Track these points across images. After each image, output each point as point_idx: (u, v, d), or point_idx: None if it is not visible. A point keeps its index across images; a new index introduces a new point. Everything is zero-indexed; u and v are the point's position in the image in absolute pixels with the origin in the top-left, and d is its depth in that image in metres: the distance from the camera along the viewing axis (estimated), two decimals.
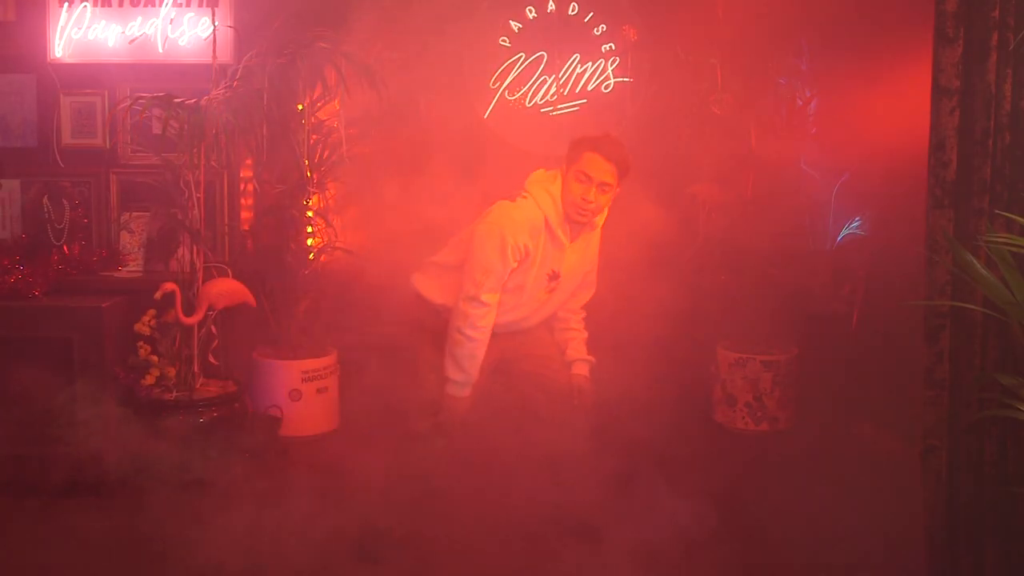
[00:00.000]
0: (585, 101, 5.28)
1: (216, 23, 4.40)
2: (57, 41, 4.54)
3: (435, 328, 3.56)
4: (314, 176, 4.75)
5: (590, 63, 5.26)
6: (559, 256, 3.49)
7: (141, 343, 4.11)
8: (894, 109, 4.48)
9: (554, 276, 3.47)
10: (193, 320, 4.14)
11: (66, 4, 4.53)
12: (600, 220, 3.58)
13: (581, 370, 3.72)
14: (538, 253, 3.39)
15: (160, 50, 4.55)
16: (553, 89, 5.27)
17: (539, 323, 3.68)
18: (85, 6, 4.53)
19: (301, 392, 4.67)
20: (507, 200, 3.44)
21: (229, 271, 4.44)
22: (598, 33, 5.25)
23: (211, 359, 4.35)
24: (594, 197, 3.32)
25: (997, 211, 2.74)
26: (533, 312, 3.59)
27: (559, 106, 5.29)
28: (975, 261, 2.65)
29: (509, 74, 5.24)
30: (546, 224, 3.38)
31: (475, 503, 3.62)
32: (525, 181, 3.50)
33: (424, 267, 3.67)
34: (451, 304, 3.48)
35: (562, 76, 5.26)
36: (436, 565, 3.46)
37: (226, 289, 4.26)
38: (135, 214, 4.64)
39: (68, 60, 4.56)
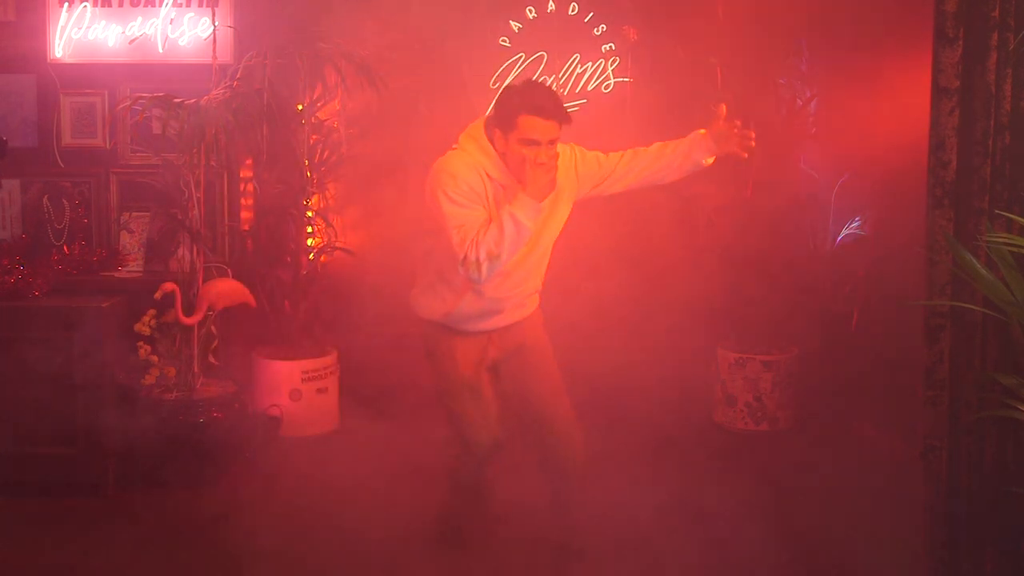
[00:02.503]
0: (585, 101, 5.28)
1: (216, 23, 4.40)
2: (57, 41, 4.54)
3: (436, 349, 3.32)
4: (314, 176, 4.75)
5: (590, 63, 5.26)
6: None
7: (141, 343, 4.12)
8: (894, 109, 4.48)
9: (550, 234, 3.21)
10: (193, 320, 4.15)
11: (66, 4, 4.53)
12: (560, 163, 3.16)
13: (703, 147, 3.32)
14: (489, 199, 3.10)
15: (160, 50, 4.55)
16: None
17: (521, 307, 3.32)
18: (85, 6, 4.53)
19: (301, 392, 4.67)
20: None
21: (229, 271, 4.44)
22: (598, 33, 5.25)
23: (211, 359, 4.36)
24: (547, 156, 3.00)
25: (997, 211, 2.74)
26: (526, 279, 3.24)
27: None
28: (975, 261, 2.65)
29: (509, 74, 5.24)
30: (487, 176, 3.09)
31: None
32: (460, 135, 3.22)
33: (416, 281, 3.38)
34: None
35: (562, 76, 5.26)
36: None
37: (226, 289, 4.26)
38: (135, 214, 4.64)
39: (68, 60, 4.56)
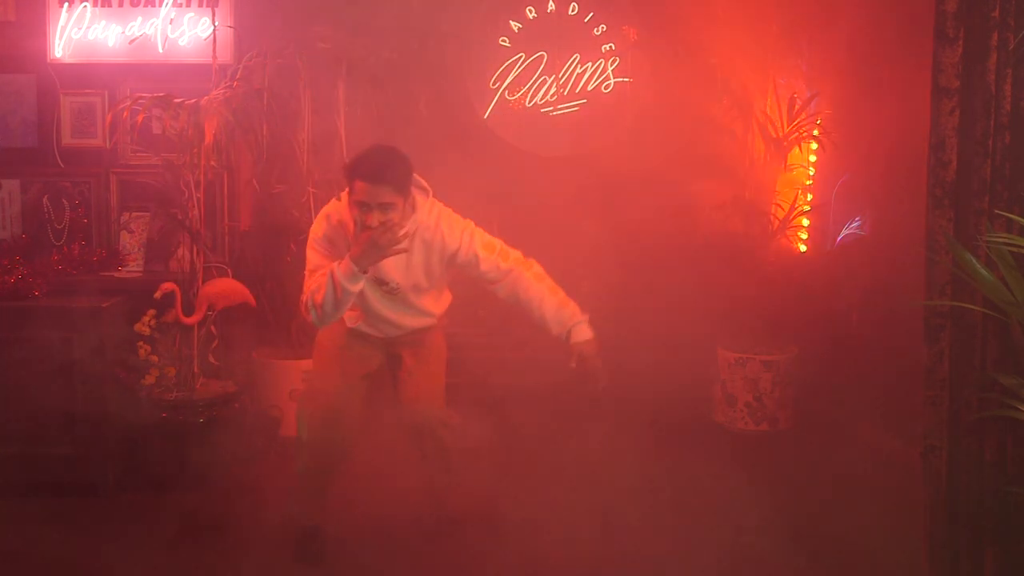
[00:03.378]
0: (585, 101, 5.28)
1: (216, 23, 4.40)
2: (57, 41, 4.54)
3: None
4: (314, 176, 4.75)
5: (590, 63, 5.26)
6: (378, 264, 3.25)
7: (141, 343, 4.11)
8: (894, 109, 4.48)
9: (382, 282, 3.30)
10: (193, 320, 4.15)
11: (66, 4, 4.53)
12: (423, 221, 3.28)
13: (580, 336, 3.32)
14: (344, 246, 3.23)
15: (160, 50, 4.55)
16: (553, 89, 5.27)
17: (413, 326, 3.48)
18: (85, 6, 4.53)
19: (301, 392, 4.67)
20: None
21: (229, 271, 4.44)
22: (598, 33, 5.25)
23: (211, 359, 4.36)
24: (376, 219, 3.09)
25: (997, 211, 2.74)
26: (387, 315, 3.40)
27: (559, 106, 5.29)
28: (975, 261, 2.65)
29: (509, 74, 5.24)
30: (346, 227, 3.25)
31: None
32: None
33: None
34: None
35: (562, 76, 5.26)
36: None
37: (226, 289, 4.26)
38: (135, 214, 4.65)
39: (68, 60, 4.56)
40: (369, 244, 3.08)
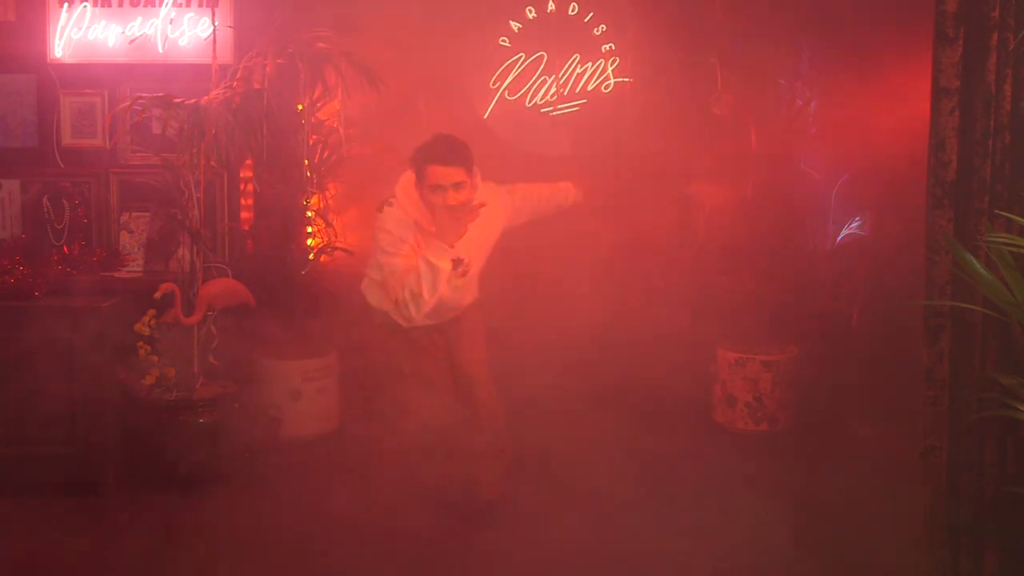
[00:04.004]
0: (585, 101, 5.28)
1: (216, 23, 4.40)
2: (57, 41, 4.54)
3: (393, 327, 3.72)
4: (314, 176, 4.75)
5: (590, 63, 5.26)
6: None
7: (141, 343, 4.11)
8: (894, 109, 4.49)
9: (458, 262, 3.56)
10: (193, 320, 4.15)
11: (66, 4, 4.53)
12: (481, 197, 3.61)
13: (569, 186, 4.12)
14: (420, 243, 3.57)
15: (160, 50, 4.54)
16: (553, 89, 5.27)
17: (466, 304, 3.84)
18: (85, 6, 4.53)
19: (301, 392, 4.67)
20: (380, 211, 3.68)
21: (229, 271, 4.44)
22: (598, 33, 5.24)
23: (211, 359, 4.35)
24: (454, 198, 3.48)
25: (997, 211, 2.75)
26: (450, 297, 3.67)
27: (559, 106, 5.29)
28: (975, 261, 2.65)
29: (509, 74, 5.24)
30: (417, 225, 3.58)
31: None
32: (396, 186, 3.69)
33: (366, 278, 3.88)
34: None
35: (562, 76, 5.26)
36: None
37: (226, 289, 4.26)
38: (135, 214, 4.64)
39: (68, 60, 4.56)
40: (452, 220, 3.48)
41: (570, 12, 5.24)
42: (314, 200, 4.80)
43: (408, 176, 3.64)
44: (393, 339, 3.77)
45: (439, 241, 3.49)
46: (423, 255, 3.50)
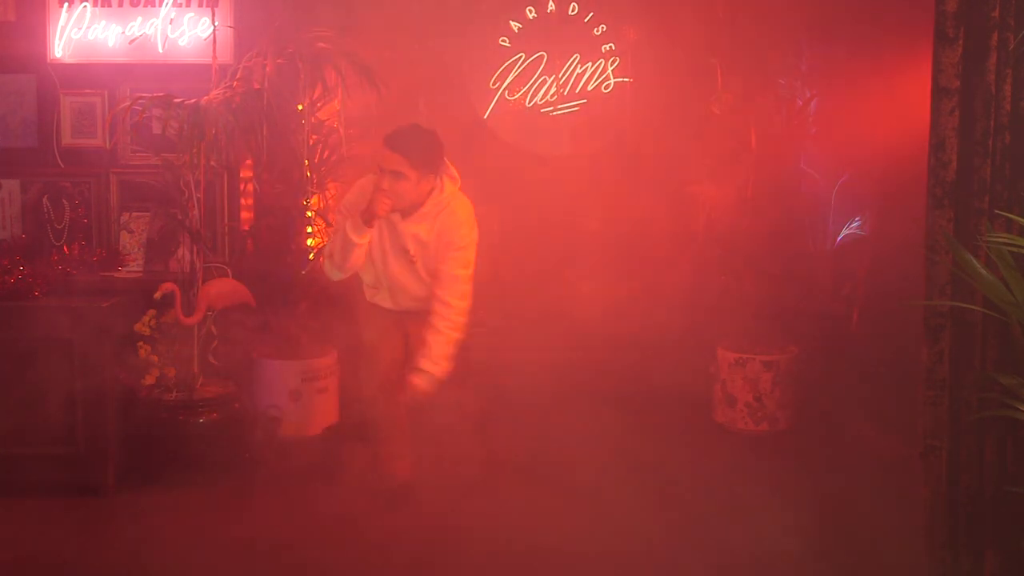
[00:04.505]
0: (585, 101, 5.28)
1: (216, 23, 4.40)
2: (57, 41, 4.54)
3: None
4: (314, 176, 4.75)
5: (590, 63, 5.26)
6: (399, 232, 3.64)
7: (141, 343, 4.11)
8: (894, 109, 4.48)
9: (404, 251, 3.64)
10: (193, 320, 4.15)
11: (66, 4, 4.53)
12: (438, 204, 3.61)
13: (413, 379, 3.60)
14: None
15: (160, 50, 4.54)
16: (553, 89, 5.27)
17: (425, 300, 3.73)
18: (85, 6, 4.53)
19: (301, 392, 4.67)
20: None
21: (229, 271, 4.44)
22: (598, 33, 5.25)
23: (211, 359, 4.35)
24: (388, 185, 3.49)
25: (997, 211, 2.75)
26: (404, 284, 3.72)
27: (559, 106, 5.29)
28: (975, 261, 2.65)
29: (509, 74, 5.25)
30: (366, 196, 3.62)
31: None
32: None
33: None
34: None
35: (562, 76, 5.26)
36: None
37: (225, 289, 4.26)
38: (135, 214, 4.64)
39: (68, 60, 4.56)
40: (370, 202, 3.50)
41: (570, 12, 5.24)
42: (314, 200, 4.79)
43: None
44: (363, 310, 3.90)
45: (358, 216, 3.54)
46: (344, 224, 3.59)
